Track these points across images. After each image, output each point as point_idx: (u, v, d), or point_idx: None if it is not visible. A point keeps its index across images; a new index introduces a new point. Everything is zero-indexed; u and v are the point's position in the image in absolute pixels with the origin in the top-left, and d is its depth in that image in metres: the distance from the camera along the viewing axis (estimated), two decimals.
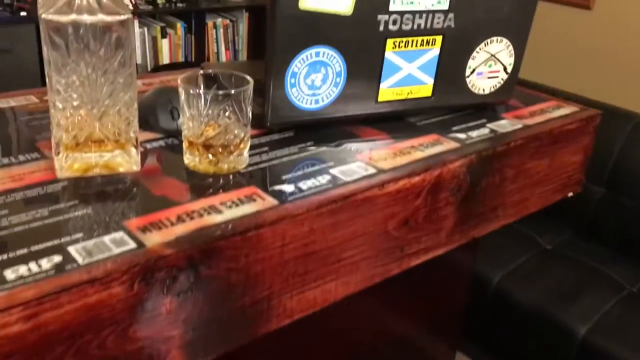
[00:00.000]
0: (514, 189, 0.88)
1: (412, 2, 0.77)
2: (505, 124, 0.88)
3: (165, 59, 2.76)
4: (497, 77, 0.89)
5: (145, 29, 2.72)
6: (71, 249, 0.52)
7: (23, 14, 2.10)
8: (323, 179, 0.68)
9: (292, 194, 0.65)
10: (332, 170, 0.70)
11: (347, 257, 0.69)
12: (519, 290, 1.86)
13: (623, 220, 2.07)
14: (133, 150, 0.65)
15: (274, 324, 0.64)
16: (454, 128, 0.85)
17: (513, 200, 0.89)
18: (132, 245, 0.53)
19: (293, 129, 0.80)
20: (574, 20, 2.52)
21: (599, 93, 2.24)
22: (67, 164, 0.63)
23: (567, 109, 0.96)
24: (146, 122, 0.76)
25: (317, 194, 0.65)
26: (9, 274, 0.48)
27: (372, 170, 0.71)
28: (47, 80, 0.60)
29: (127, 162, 0.65)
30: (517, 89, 1.01)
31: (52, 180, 0.63)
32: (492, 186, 0.84)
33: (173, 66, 2.70)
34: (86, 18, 0.59)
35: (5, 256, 0.50)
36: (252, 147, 0.74)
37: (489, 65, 0.87)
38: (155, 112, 0.75)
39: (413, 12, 0.78)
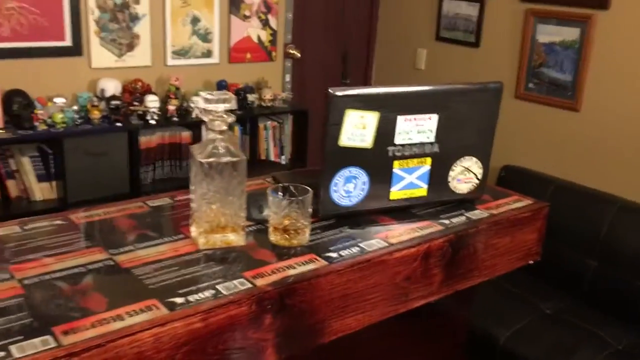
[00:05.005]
0: (485, 257, 1.29)
1: (410, 139, 1.22)
2: (477, 213, 1.31)
3: None
4: (471, 182, 1.33)
5: None
6: (219, 287, 0.96)
7: (118, 124, 2.64)
8: (355, 250, 1.11)
9: (336, 258, 1.08)
10: (360, 244, 1.14)
11: (370, 298, 1.11)
12: (523, 348, 2.22)
13: (614, 288, 2.43)
14: (241, 232, 1.10)
15: (325, 338, 1.06)
16: (442, 216, 1.28)
17: (485, 265, 1.30)
18: (249, 285, 0.97)
19: (335, 219, 1.24)
20: (564, 119, 2.96)
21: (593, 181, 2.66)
22: (204, 241, 1.08)
23: (524, 202, 1.39)
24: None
25: (351, 258, 1.08)
26: (190, 298, 0.92)
27: (384, 244, 1.14)
28: (192, 193, 1.06)
29: (238, 240, 1.10)
30: (493, 188, 1.44)
31: (194, 251, 1.08)
32: (468, 255, 1.26)
33: None
34: (219, 159, 1.05)
35: (187, 289, 0.94)
36: (311, 230, 1.18)
37: (464, 174, 1.31)
38: (249, 208, 1.21)
39: (411, 144, 1.23)
